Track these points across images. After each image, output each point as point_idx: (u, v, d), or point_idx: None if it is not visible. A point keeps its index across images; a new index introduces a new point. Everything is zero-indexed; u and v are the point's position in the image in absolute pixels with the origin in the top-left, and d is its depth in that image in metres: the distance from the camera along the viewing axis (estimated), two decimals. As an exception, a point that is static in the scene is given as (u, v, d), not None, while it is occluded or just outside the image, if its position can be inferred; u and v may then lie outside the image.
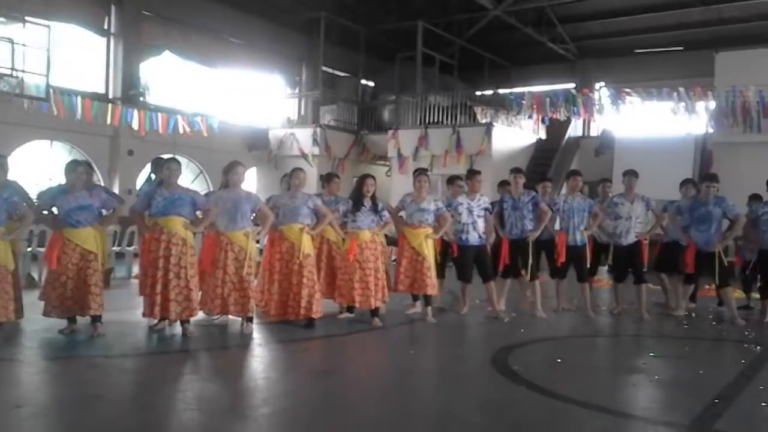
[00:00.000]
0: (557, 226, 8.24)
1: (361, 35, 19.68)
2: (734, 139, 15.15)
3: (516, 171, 8.24)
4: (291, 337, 6.48)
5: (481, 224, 7.86)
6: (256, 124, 18.72)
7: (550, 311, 8.19)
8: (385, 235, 8.14)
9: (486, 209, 7.93)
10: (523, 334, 7.03)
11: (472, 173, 8.11)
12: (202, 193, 7.54)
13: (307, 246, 6.92)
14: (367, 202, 7.30)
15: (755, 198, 8.58)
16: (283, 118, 19.59)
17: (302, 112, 20.43)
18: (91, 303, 6.02)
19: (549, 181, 9.11)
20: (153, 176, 8.20)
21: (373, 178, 7.50)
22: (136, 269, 10.50)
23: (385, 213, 7.56)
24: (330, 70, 20.40)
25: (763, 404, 4.63)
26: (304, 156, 17.70)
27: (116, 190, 14.69)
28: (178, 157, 7.43)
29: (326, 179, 8.06)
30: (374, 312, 7.23)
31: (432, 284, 7.46)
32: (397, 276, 7.59)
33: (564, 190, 9.61)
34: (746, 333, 7.40)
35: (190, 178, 17.21)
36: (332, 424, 4.07)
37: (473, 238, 7.80)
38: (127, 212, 6.89)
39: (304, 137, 18.04)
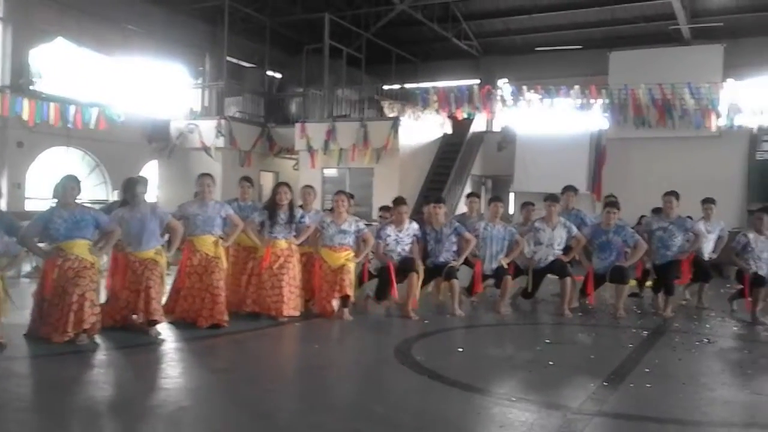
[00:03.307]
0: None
1: (266, 26, 19.40)
2: (626, 135, 15.98)
3: (436, 201, 8.09)
4: (193, 336, 6.31)
5: (408, 249, 7.71)
6: (156, 114, 18.08)
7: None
8: None
9: (415, 235, 7.76)
10: (427, 326, 7.14)
11: (397, 203, 7.84)
12: (106, 200, 7.08)
13: (224, 260, 6.73)
14: (284, 213, 7.10)
15: (656, 212, 8.92)
16: (185, 109, 19.02)
17: (206, 103, 19.90)
18: None
19: (442, 202, 8.32)
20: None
21: (288, 186, 7.28)
22: (27, 268, 10.04)
23: (305, 220, 7.35)
24: (235, 61, 19.99)
25: (647, 385, 4.91)
26: (206, 149, 17.23)
27: (4, 184, 13.90)
28: (72, 150, 7.03)
29: (238, 183, 7.91)
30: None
31: (350, 284, 7.28)
32: (319, 302, 7.41)
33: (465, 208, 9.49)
34: (636, 319, 7.82)
35: (85, 171, 16.46)
36: (231, 420, 4.02)
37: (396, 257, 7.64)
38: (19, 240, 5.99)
39: (208, 129, 17.58)
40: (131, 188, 6.32)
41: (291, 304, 7.07)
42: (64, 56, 16.26)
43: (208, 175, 6.95)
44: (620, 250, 8.03)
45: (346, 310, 7.34)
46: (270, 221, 7.09)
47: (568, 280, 7.93)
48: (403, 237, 7.69)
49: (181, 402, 4.38)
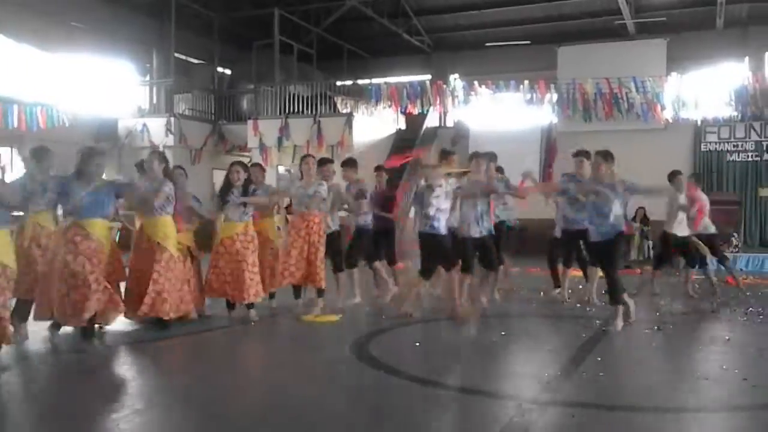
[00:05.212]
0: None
1: (215, 21, 19.12)
2: (575, 129, 16.24)
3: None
4: (146, 337, 6.19)
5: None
6: (104, 113, 17.61)
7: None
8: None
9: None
10: (384, 321, 7.15)
11: (445, 153, 7.65)
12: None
13: (171, 245, 6.39)
14: (237, 192, 6.95)
15: None
16: (133, 107, 18.59)
17: (154, 101, 19.50)
18: None
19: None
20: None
21: (241, 164, 7.17)
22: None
23: (258, 192, 7.21)
24: (183, 57, 19.63)
25: (600, 374, 5.01)
26: (155, 148, 16.89)
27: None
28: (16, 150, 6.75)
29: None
30: (249, 305, 6.98)
31: (324, 277, 7.27)
32: (285, 268, 7.25)
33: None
34: (587, 309, 7.96)
35: (30, 172, 15.95)
36: (186, 422, 3.95)
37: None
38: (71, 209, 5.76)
39: (157, 127, 17.25)
40: (88, 160, 5.85)
41: (252, 291, 6.90)
42: (4, 54, 15.70)
43: (154, 152, 6.80)
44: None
45: (320, 301, 7.32)
46: (221, 201, 6.94)
47: (493, 274, 7.75)
48: (441, 195, 7.02)
49: (135, 405, 4.30)
